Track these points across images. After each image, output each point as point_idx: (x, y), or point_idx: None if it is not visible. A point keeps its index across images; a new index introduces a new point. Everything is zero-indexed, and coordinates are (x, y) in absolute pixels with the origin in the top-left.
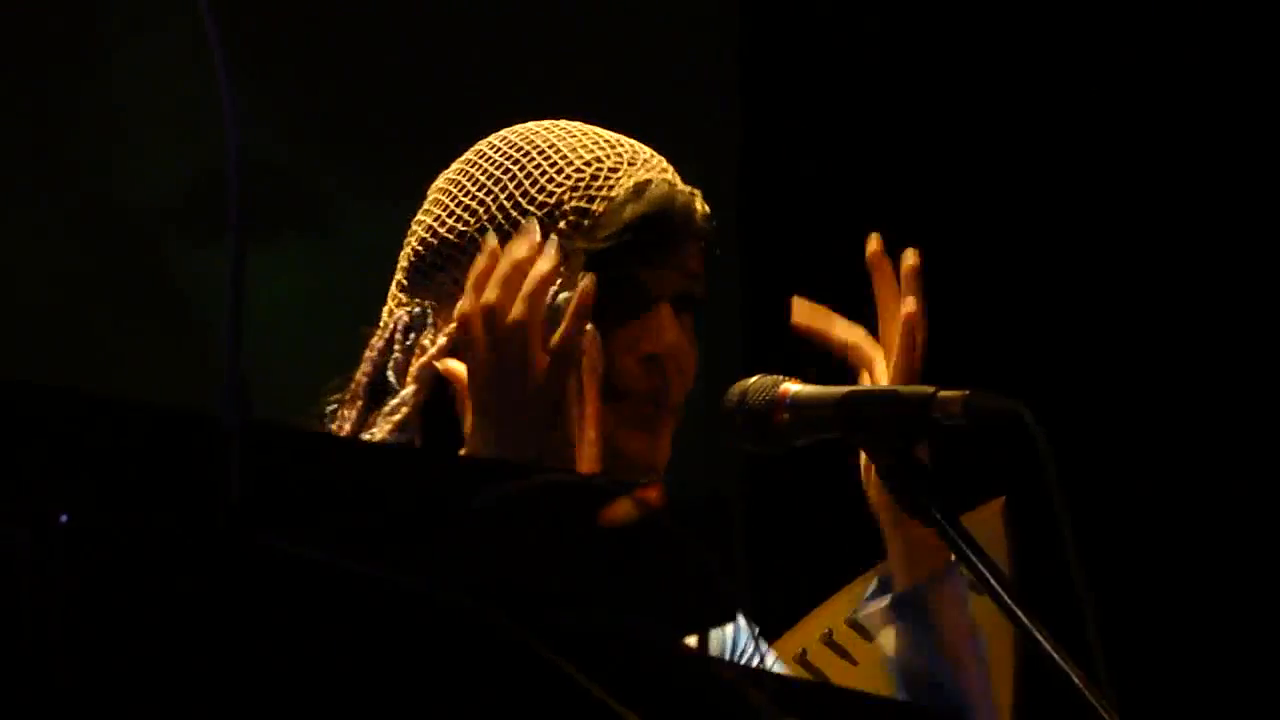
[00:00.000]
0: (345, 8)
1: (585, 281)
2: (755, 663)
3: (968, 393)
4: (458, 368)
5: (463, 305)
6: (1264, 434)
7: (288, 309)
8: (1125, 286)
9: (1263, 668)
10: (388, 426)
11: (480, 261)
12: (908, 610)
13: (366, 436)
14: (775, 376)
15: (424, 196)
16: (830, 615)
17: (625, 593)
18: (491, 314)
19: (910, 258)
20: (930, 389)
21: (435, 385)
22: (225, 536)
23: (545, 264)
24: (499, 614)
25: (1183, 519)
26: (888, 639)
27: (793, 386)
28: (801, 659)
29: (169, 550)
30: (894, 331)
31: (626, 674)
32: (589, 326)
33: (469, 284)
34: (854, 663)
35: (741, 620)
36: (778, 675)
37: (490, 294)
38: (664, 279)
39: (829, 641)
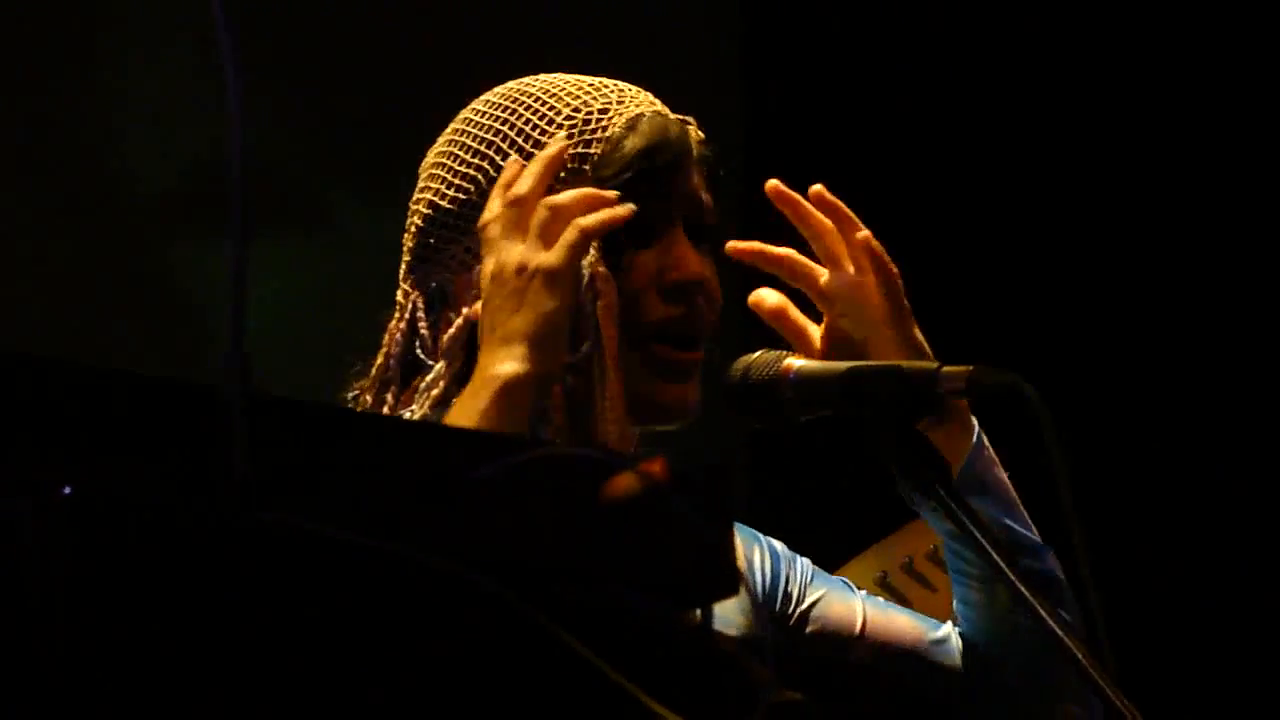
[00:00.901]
0: (341, 2)
1: (623, 209)
2: (806, 581)
3: (971, 368)
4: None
5: (486, 214)
6: (1261, 408)
7: (282, 305)
8: (1125, 265)
9: (1261, 636)
10: (427, 402)
11: (506, 173)
12: (964, 492)
13: (406, 414)
14: (779, 351)
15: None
16: (910, 544)
17: (629, 566)
18: (518, 201)
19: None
20: (934, 365)
21: (467, 358)
22: (229, 510)
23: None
24: (505, 588)
25: (1183, 491)
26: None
27: (796, 362)
28: (883, 581)
29: (173, 524)
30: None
31: (631, 647)
32: (601, 269)
33: (494, 193)
34: (933, 590)
35: (778, 546)
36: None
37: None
38: (673, 205)
39: (909, 569)
